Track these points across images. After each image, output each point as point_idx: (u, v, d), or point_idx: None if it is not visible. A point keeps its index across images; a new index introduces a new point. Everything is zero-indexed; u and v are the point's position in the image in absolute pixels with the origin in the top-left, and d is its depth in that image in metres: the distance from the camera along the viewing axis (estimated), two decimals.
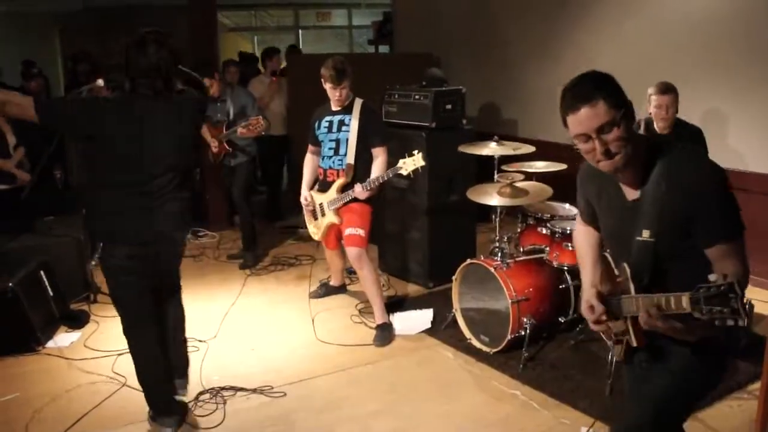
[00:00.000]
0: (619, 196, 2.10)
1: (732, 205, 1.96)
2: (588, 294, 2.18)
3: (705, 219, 1.93)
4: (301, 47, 15.00)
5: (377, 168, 4.43)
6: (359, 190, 4.34)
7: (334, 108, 4.57)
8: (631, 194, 2.07)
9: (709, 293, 1.61)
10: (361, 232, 4.48)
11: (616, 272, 2.14)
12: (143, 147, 3.08)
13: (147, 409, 3.50)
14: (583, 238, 2.42)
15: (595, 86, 1.93)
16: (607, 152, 1.94)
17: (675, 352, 2.10)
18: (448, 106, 5.41)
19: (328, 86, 4.45)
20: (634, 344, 2.05)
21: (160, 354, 3.39)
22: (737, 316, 1.58)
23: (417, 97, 5.44)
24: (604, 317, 2.11)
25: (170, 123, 3.17)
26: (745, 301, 1.64)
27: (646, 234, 1.98)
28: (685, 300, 1.70)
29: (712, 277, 1.61)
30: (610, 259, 2.21)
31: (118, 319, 4.24)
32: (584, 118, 1.92)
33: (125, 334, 3.35)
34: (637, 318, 1.95)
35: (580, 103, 1.92)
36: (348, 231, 4.50)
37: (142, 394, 3.67)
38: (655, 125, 4.44)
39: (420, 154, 4.18)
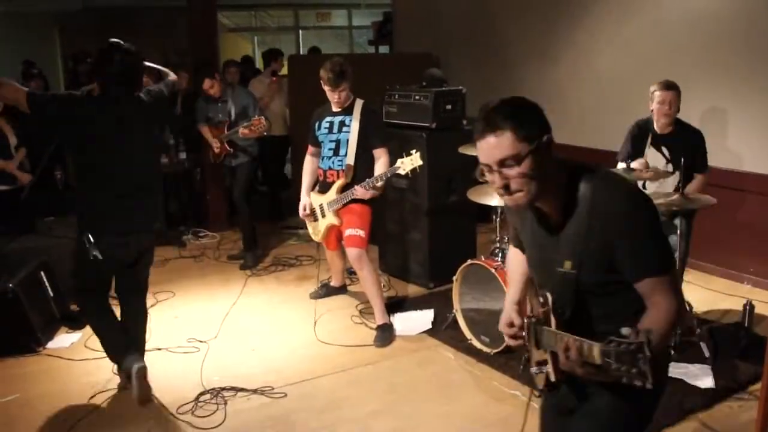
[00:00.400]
0: (541, 225, 1.96)
1: (660, 236, 1.81)
2: (509, 308, 2.10)
3: (631, 253, 1.77)
4: (301, 48, 15.05)
5: (380, 169, 4.43)
6: (361, 191, 4.34)
7: (334, 109, 4.57)
8: (553, 223, 1.92)
9: (619, 349, 1.50)
10: (361, 232, 4.48)
11: (540, 300, 2.00)
12: (119, 145, 3.51)
13: (146, 409, 3.50)
14: (515, 260, 2.28)
15: (507, 115, 1.77)
16: (506, 187, 1.80)
17: (601, 393, 1.96)
18: (448, 107, 5.41)
19: (326, 88, 4.45)
20: (552, 378, 1.92)
21: (115, 321, 3.86)
22: (643, 379, 1.48)
23: (417, 97, 5.44)
24: (521, 334, 2.01)
25: (140, 122, 3.61)
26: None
27: (567, 265, 1.85)
28: (596, 351, 1.60)
29: (624, 331, 1.51)
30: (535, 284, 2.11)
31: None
32: (487, 148, 1.78)
33: (81, 307, 3.97)
34: (556, 354, 1.83)
35: (486, 131, 1.77)
36: (348, 232, 4.50)
37: None
38: (655, 124, 4.44)
39: (418, 153, 4.18)
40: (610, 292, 1.86)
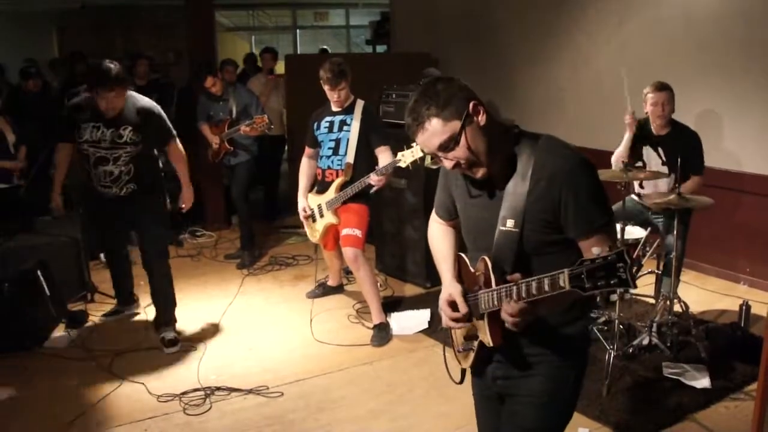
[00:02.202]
0: (484, 187, 1.97)
1: (602, 194, 1.85)
2: (451, 288, 2.03)
3: (577, 211, 1.81)
4: (298, 47, 15.05)
5: (383, 163, 4.44)
6: (375, 178, 4.32)
7: (334, 108, 4.57)
8: (495, 183, 1.93)
9: (594, 265, 1.52)
10: (358, 232, 4.48)
11: (472, 269, 2.02)
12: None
13: (144, 406, 3.49)
14: (440, 234, 2.27)
15: (428, 103, 1.80)
16: (458, 166, 1.85)
17: (533, 366, 1.98)
18: None
19: (326, 88, 4.45)
20: (490, 344, 1.91)
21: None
22: (627, 285, 1.50)
23: None
24: (463, 315, 1.97)
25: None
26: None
27: (510, 224, 1.87)
28: (563, 278, 1.59)
29: (595, 251, 1.54)
30: (465, 258, 2.10)
31: (115, 318, 4.32)
32: (424, 142, 1.84)
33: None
34: (495, 314, 1.84)
35: (415, 128, 1.83)
36: (345, 231, 4.50)
37: (139, 394, 3.70)
38: (651, 125, 4.45)
39: (418, 146, 4.17)
40: (550, 251, 1.88)
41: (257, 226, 6.81)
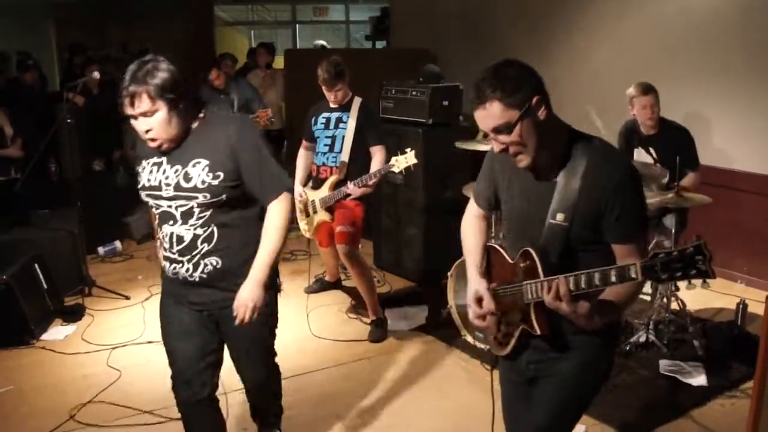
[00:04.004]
0: (534, 179, 2.02)
1: (643, 209, 1.97)
2: (478, 285, 2.15)
3: (620, 219, 1.90)
4: (297, 42, 15.02)
5: (375, 166, 4.42)
6: (353, 188, 4.32)
7: (332, 105, 4.56)
8: (548, 178, 1.99)
9: (669, 258, 1.62)
10: (352, 229, 4.46)
11: (510, 260, 2.08)
12: None
13: (143, 399, 3.50)
14: (474, 227, 2.37)
15: (492, 85, 1.84)
16: (505, 151, 1.92)
17: (569, 350, 2.06)
18: (445, 103, 5.41)
19: (323, 87, 4.44)
20: (538, 332, 1.98)
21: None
22: (707, 276, 1.61)
23: (414, 93, 5.44)
24: (491, 313, 2.08)
25: None
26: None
27: (560, 217, 1.93)
28: (634, 269, 1.69)
29: (667, 243, 1.66)
30: (500, 249, 2.16)
31: (113, 312, 4.27)
32: (479, 120, 1.90)
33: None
34: (541, 303, 1.91)
35: (475, 104, 1.88)
36: (339, 228, 4.49)
37: (138, 387, 3.70)
38: (641, 127, 4.43)
39: (413, 152, 4.17)
40: (593, 249, 1.95)
41: None
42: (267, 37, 14.28)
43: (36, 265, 4.73)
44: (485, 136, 1.95)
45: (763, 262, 5.23)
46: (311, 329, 4.63)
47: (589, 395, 2.14)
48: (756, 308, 4.53)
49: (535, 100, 1.85)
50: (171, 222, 2.53)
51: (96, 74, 5.76)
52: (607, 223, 1.91)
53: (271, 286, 2.69)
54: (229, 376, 3.92)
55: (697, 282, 4.30)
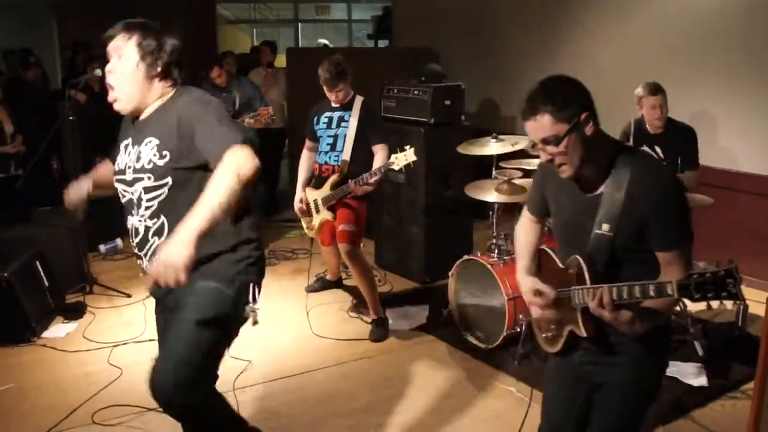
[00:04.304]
0: (581, 191, 2.13)
1: (688, 216, 2.03)
2: (530, 280, 2.28)
3: (663, 227, 1.99)
4: (300, 41, 15.01)
5: (377, 165, 4.42)
6: (354, 186, 4.32)
7: (333, 104, 4.56)
8: (593, 190, 2.10)
9: (703, 279, 1.70)
10: (354, 228, 4.47)
11: (561, 265, 2.20)
12: None
13: (144, 397, 3.50)
14: (526, 231, 2.47)
15: (544, 99, 1.99)
16: (551, 161, 2.03)
17: (621, 355, 2.14)
18: (447, 102, 5.41)
19: (324, 87, 4.44)
20: (584, 334, 2.09)
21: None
22: (735, 298, 1.70)
23: (416, 92, 5.43)
24: (549, 302, 2.19)
25: None
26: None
27: (605, 228, 2.03)
28: (671, 287, 1.77)
29: (702, 264, 1.72)
30: (550, 252, 2.28)
31: (114, 310, 4.25)
32: (530, 130, 2.02)
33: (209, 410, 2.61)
34: (588, 308, 2.01)
35: (527, 115, 2.01)
36: (341, 227, 4.49)
37: (139, 385, 3.68)
38: (648, 126, 4.43)
39: (412, 149, 4.17)
40: (638, 258, 2.04)
41: (256, 220, 6.79)
42: (269, 36, 14.28)
43: (37, 263, 4.74)
44: (534, 145, 2.09)
45: (763, 263, 5.22)
46: (312, 328, 4.63)
47: (644, 406, 2.22)
48: (757, 309, 4.53)
49: (583, 116, 1.98)
50: (132, 211, 2.39)
51: (98, 72, 5.72)
52: (651, 233, 2.00)
53: (225, 280, 2.35)
54: (228, 374, 3.94)
55: (728, 303, 4.31)
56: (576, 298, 2.08)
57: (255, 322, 2.42)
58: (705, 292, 1.70)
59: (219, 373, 2.47)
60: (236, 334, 2.50)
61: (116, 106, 2.35)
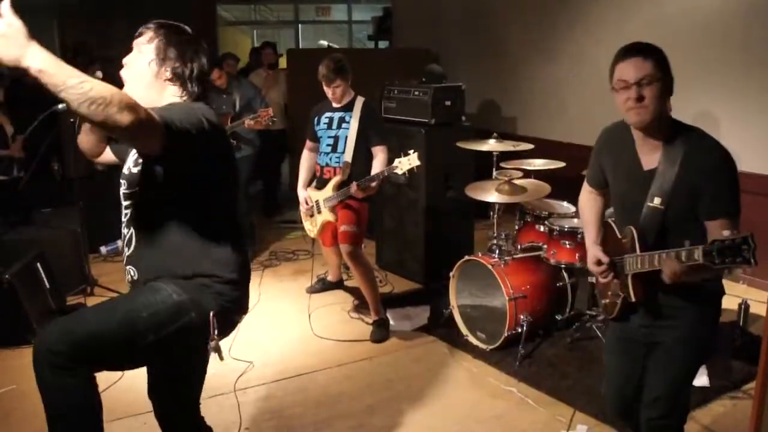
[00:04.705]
0: (636, 165, 2.35)
1: (737, 188, 2.23)
2: (594, 249, 2.50)
3: (713, 195, 2.19)
4: (300, 42, 15.02)
5: (377, 166, 4.42)
6: (355, 189, 4.32)
7: (334, 105, 4.56)
8: (648, 164, 2.32)
9: (723, 245, 1.88)
10: (355, 229, 4.47)
11: (619, 235, 2.42)
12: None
13: (143, 400, 3.48)
14: (588, 203, 2.68)
15: (653, 49, 2.27)
16: (640, 98, 2.21)
17: (674, 318, 2.36)
18: (447, 103, 5.41)
19: (323, 84, 4.44)
20: (632, 299, 2.33)
21: None
22: (748, 264, 1.86)
23: (416, 93, 5.44)
24: (609, 270, 2.41)
25: None
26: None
27: (657, 201, 2.25)
28: (697, 252, 1.97)
29: (726, 233, 1.89)
30: (613, 225, 2.49)
31: None
32: (632, 67, 2.23)
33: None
34: (638, 275, 2.28)
35: (636, 54, 2.24)
36: (342, 228, 4.49)
37: (138, 387, 3.68)
38: None
39: (415, 153, 4.16)
40: (686, 228, 2.22)
41: (257, 221, 6.80)
42: (270, 37, 14.29)
43: (38, 264, 4.74)
44: (615, 89, 2.32)
45: (765, 263, 5.21)
46: (313, 329, 4.63)
47: (696, 362, 2.47)
48: (758, 308, 4.53)
49: (671, 80, 2.30)
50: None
51: (99, 74, 5.73)
52: (701, 203, 2.21)
53: (182, 291, 2.19)
54: (229, 376, 3.94)
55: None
56: (628, 265, 2.31)
57: (221, 358, 2.29)
58: (724, 257, 1.88)
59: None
60: (141, 349, 2.16)
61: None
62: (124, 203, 2.29)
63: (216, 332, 2.22)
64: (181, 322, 2.16)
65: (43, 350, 2.08)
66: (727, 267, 1.90)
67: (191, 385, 2.49)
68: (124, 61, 2.27)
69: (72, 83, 1.73)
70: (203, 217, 2.24)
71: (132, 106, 1.80)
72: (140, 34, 2.28)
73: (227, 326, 2.38)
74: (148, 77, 2.24)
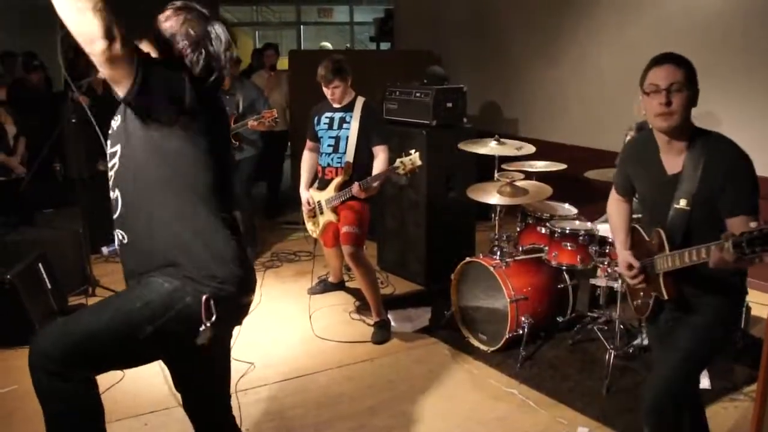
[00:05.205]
0: (660, 171, 2.49)
1: (757, 187, 2.35)
2: (625, 254, 2.62)
3: (734, 194, 2.32)
4: (302, 43, 15.03)
5: (378, 167, 4.42)
6: (357, 190, 4.32)
7: (335, 105, 4.56)
8: (671, 169, 2.46)
9: (752, 236, 1.97)
10: (357, 230, 4.47)
11: (647, 238, 2.54)
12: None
13: (144, 401, 3.49)
14: (617, 210, 2.81)
15: (686, 61, 2.42)
16: (669, 103, 2.35)
17: (699, 308, 2.48)
18: (449, 104, 5.41)
19: (322, 84, 4.45)
20: (665, 297, 2.45)
21: None
22: None
23: (418, 94, 5.44)
24: (641, 274, 2.53)
25: None
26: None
27: (683, 203, 2.39)
28: (728, 245, 2.04)
29: (752, 224, 2.00)
30: (640, 229, 2.61)
31: None
32: (665, 73, 2.38)
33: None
34: (669, 273, 2.40)
35: (669, 61, 2.40)
36: (344, 229, 4.49)
37: (140, 388, 3.69)
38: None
39: (417, 153, 4.16)
40: (711, 226, 2.33)
41: (259, 222, 6.80)
42: (271, 38, 14.31)
43: (40, 265, 4.74)
44: (646, 93, 2.44)
45: (766, 266, 5.21)
46: (314, 330, 4.63)
47: (717, 342, 2.59)
48: (759, 311, 4.53)
49: (697, 90, 2.42)
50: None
51: (100, 74, 5.75)
52: (722, 201, 2.34)
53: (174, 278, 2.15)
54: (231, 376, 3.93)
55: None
56: (659, 265, 2.44)
57: (205, 343, 2.16)
58: (754, 246, 1.97)
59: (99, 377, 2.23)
60: (142, 343, 2.14)
61: None
62: (109, 163, 2.22)
63: (214, 317, 2.14)
64: (176, 309, 2.13)
65: (38, 355, 2.09)
66: (758, 256, 1.99)
67: (210, 377, 2.47)
68: (145, 40, 2.25)
69: None
70: (194, 204, 2.17)
71: (110, 25, 1.87)
72: (162, 13, 2.27)
73: (233, 310, 2.32)
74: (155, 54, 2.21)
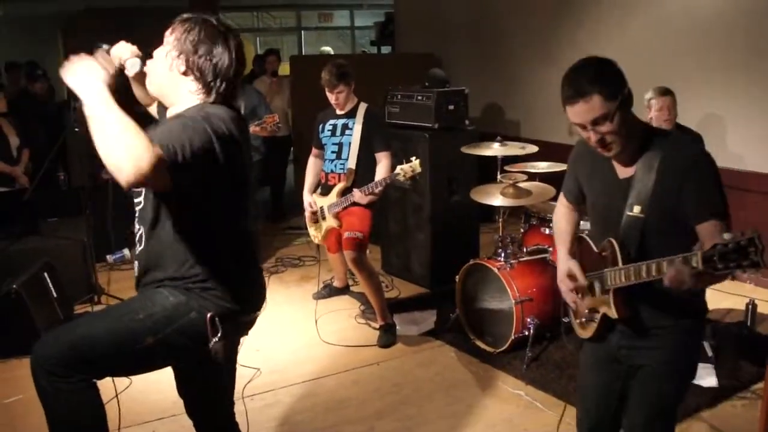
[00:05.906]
0: (612, 174, 2.20)
1: (719, 184, 2.05)
2: (568, 264, 2.31)
3: (698, 196, 2.01)
4: (303, 48, 15.06)
5: (381, 173, 4.42)
6: (359, 195, 4.33)
7: (338, 112, 4.57)
8: (624, 173, 2.16)
9: (726, 249, 1.68)
10: (360, 235, 4.47)
11: (596, 249, 2.24)
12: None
13: (152, 408, 3.50)
14: (564, 217, 2.53)
15: (591, 79, 2.02)
16: (601, 140, 2.06)
17: (655, 334, 2.17)
18: (451, 107, 5.41)
19: (326, 89, 4.46)
20: (615, 316, 2.14)
21: None
22: (757, 267, 1.66)
23: (419, 97, 5.45)
24: (581, 285, 2.25)
25: None
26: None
27: (636, 210, 2.09)
28: (695, 258, 1.76)
29: (726, 236, 1.69)
30: (588, 239, 2.31)
31: None
32: (579, 112, 2.03)
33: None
34: (620, 290, 2.10)
35: (576, 97, 2.02)
36: (346, 234, 4.49)
37: (147, 395, 3.69)
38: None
39: (417, 161, 4.17)
40: (669, 236, 2.07)
41: (263, 227, 6.81)
42: (272, 44, 14.34)
43: (46, 274, 4.75)
44: (573, 132, 2.15)
45: None
46: (320, 335, 4.63)
47: (682, 387, 2.29)
48: (765, 308, 4.52)
49: (626, 92, 2.05)
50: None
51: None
52: (686, 207, 2.03)
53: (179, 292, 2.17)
54: (237, 383, 3.93)
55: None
56: (608, 279, 2.13)
57: (219, 362, 2.24)
58: (728, 261, 1.68)
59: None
60: (142, 352, 2.18)
61: (142, 96, 2.33)
62: (135, 201, 2.24)
63: (220, 334, 2.16)
64: (179, 323, 2.13)
65: (38, 358, 2.11)
66: (732, 272, 1.70)
67: (215, 384, 2.48)
68: (154, 53, 2.21)
69: (104, 116, 1.78)
70: (207, 223, 2.16)
71: (137, 152, 1.73)
72: (169, 25, 2.22)
73: (238, 325, 2.34)
74: (164, 69, 2.15)
